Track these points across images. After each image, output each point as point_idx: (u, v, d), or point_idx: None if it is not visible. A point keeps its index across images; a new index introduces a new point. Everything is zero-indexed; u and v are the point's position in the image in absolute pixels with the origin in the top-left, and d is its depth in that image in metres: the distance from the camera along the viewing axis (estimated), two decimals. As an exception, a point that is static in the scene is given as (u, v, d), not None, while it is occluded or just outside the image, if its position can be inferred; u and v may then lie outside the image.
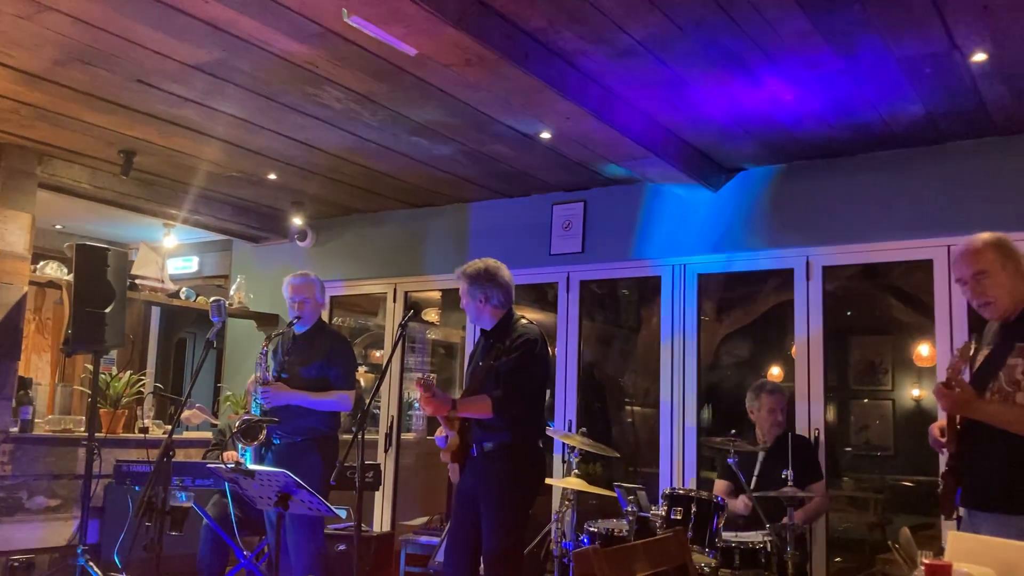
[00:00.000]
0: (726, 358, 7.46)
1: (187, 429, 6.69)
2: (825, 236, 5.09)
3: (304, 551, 4.20)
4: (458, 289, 4.04)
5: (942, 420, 3.10)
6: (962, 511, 2.96)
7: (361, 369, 7.54)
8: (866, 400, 7.72)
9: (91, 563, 4.72)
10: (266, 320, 7.16)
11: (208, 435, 5.78)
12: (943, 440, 2.99)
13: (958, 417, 2.90)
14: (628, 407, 7.54)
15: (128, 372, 6.09)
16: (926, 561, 1.61)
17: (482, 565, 3.81)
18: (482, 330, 4.04)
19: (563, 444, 5.35)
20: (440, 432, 3.98)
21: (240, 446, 4.38)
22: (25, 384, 5.62)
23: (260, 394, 4.35)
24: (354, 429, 3.69)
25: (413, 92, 4.31)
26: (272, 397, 4.32)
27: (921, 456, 5.69)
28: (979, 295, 2.97)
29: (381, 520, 6.44)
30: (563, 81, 4.00)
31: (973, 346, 2.99)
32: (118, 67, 4.19)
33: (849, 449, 7.62)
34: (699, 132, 4.83)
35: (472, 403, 3.77)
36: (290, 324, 4.56)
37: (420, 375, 3.84)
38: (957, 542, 1.89)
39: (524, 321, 3.97)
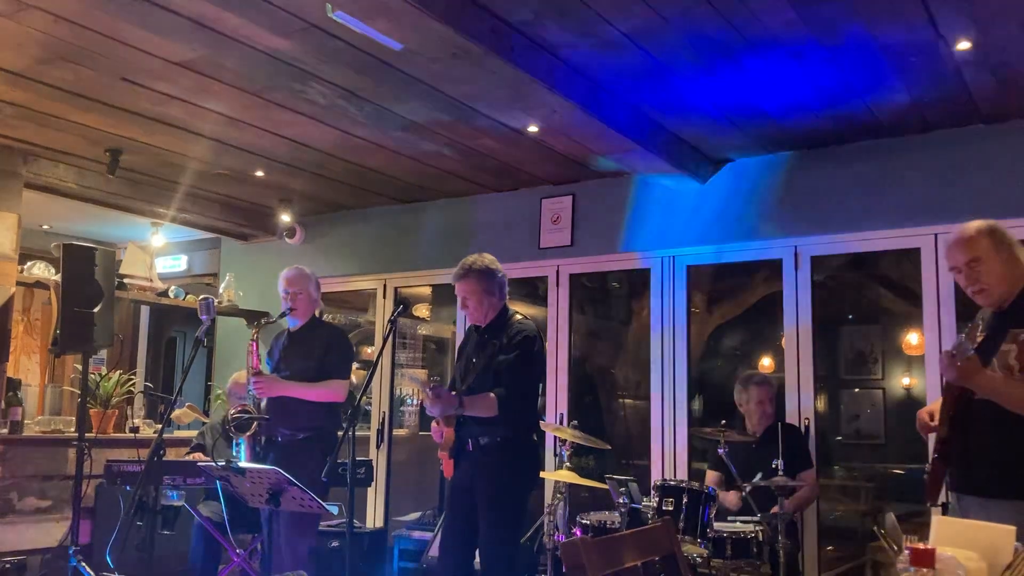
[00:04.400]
0: (717, 349, 7.48)
1: (178, 428, 6.67)
2: (813, 226, 5.11)
3: (297, 549, 4.19)
4: (447, 284, 4.03)
5: (931, 405, 3.11)
6: (951, 496, 2.97)
7: (352, 366, 7.53)
8: (857, 389, 7.75)
9: (83, 563, 4.71)
10: (255, 318, 7.13)
11: (196, 434, 5.76)
12: (932, 424, 3.01)
13: (953, 397, 2.90)
14: (619, 400, 7.55)
15: (118, 372, 6.07)
16: (911, 545, 1.61)
17: (478, 558, 3.81)
18: (475, 325, 4.04)
19: (555, 437, 5.36)
20: (435, 426, 3.98)
21: (234, 441, 4.38)
22: (14, 385, 5.60)
23: (252, 385, 4.32)
24: (345, 425, 3.68)
25: (399, 87, 4.30)
26: (264, 388, 4.29)
27: (912, 444, 5.72)
28: (973, 282, 2.98)
29: (374, 516, 6.44)
30: (549, 74, 4.00)
31: (980, 325, 2.99)
32: (102, 65, 4.17)
33: (840, 438, 7.66)
34: (686, 123, 4.84)
35: (478, 402, 3.76)
36: (281, 315, 4.51)
37: (426, 380, 3.83)
38: (942, 527, 1.90)
39: (519, 317, 3.97)
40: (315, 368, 4.32)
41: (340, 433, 4.49)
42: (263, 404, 4.34)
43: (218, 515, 4.62)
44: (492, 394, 3.73)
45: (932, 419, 3.01)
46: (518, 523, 3.88)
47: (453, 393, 3.82)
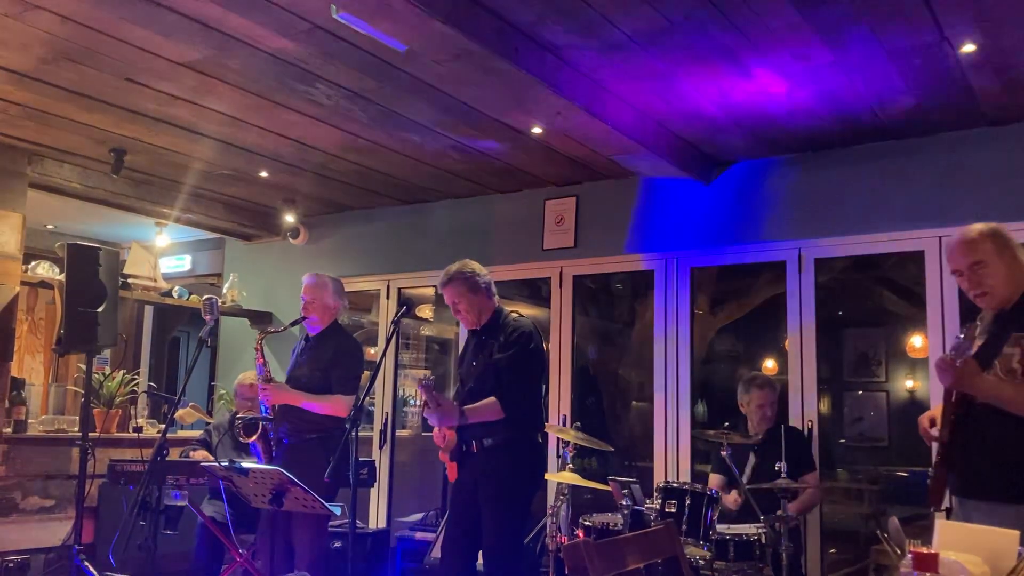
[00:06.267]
0: (720, 351, 7.47)
1: (181, 428, 6.68)
2: (817, 228, 5.10)
3: (309, 550, 4.18)
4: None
5: (932, 410, 3.10)
6: (953, 501, 2.96)
7: (359, 380, 7.53)
8: (860, 392, 7.74)
9: (86, 563, 4.71)
10: (259, 318, 7.15)
11: (199, 433, 5.77)
12: (933, 432, 3.00)
13: (954, 401, 2.90)
14: (622, 401, 7.55)
15: (121, 371, 6.08)
16: (914, 550, 1.61)
17: (481, 560, 3.80)
18: (472, 329, 4.04)
19: (557, 439, 5.36)
20: (436, 430, 3.97)
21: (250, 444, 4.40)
22: (18, 385, 5.61)
23: (260, 391, 4.36)
24: (347, 426, 3.68)
25: (403, 88, 4.30)
26: (271, 395, 4.31)
27: (915, 447, 5.72)
28: (976, 285, 2.97)
29: (376, 517, 6.44)
30: (553, 76, 4.00)
31: (978, 326, 2.98)
32: (107, 65, 4.18)
33: (843, 441, 7.65)
34: (690, 125, 4.83)
35: (482, 409, 3.74)
36: (293, 323, 4.52)
37: (421, 378, 3.83)
38: (945, 531, 1.89)
39: (515, 316, 3.97)
40: (320, 379, 4.31)
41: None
42: (277, 407, 4.36)
43: (221, 515, 4.63)
44: (494, 398, 3.72)
45: (933, 425, 3.00)
46: (521, 524, 3.88)
47: (463, 407, 3.78)
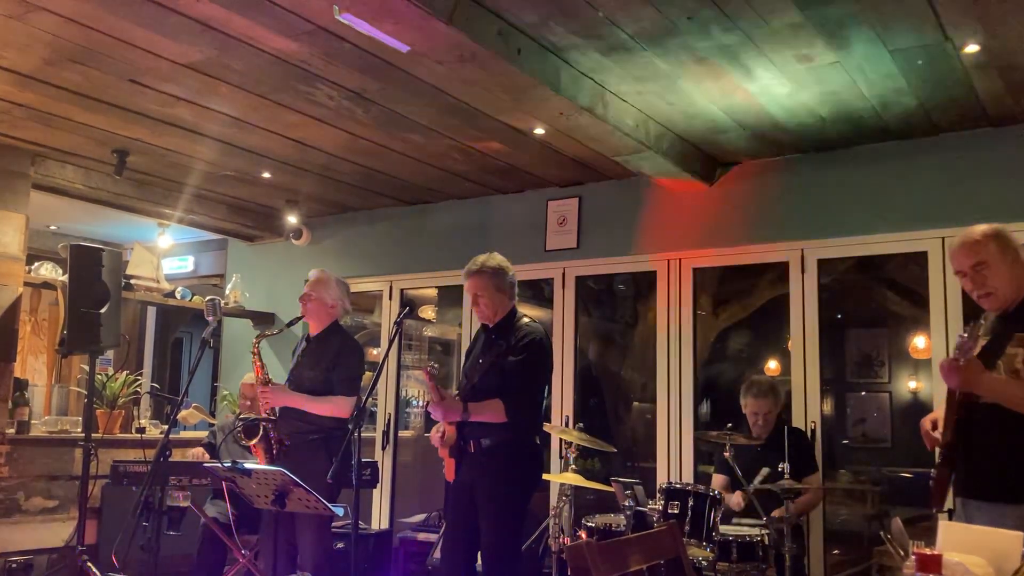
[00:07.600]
0: (723, 352, 7.46)
1: (184, 429, 6.69)
2: (819, 229, 5.10)
3: (312, 551, 4.18)
4: (453, 285, 4.03)
5: (934, 413, 3.10)
6: (956, 502, 2.96)
7: (360, 381, 7.53)
8: (863, 393, 7.73)
9: (89, 563, 4.72)
10: (262, 319, 7.16)
11: (204, 435, 5.78)
12: (934, 433, 3.00)
13: (957, 402, 2.89)
14: (625, 402, 7.54)
15: (124, 372, 6.09)
16: (917, 551, 1.61)
17: (480, 560, 3.80)
18: (484, 325, 4.04)
19: (560, 440, 5.36)
20: (437, 431, 3.97)
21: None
22: (21, 386, 5.62)
23: (259, 394, 4.34)
24: (350, 427, 3.68)
25: (406, 89, 4.30)
26: (271, 398, 4.30)
27: (918, 448, 5.69)
28: (980, 286, 2.97)
29: (379, 517, 6.44)
30: (556, 77, 4.00)
31: (983, 325, 2.98)
32: (110, 67, 4.19)
33: (846, 442, 7.64)
34: (692, 126, 4.83)
35: (485, 409, 3.74)
36: (289, 324, 4.51)
37: (427, 366, 3.83)
38: (949, 532, 1.89)
39: (527, 320, 3.96)
40: (321, 381, 4.30)
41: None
42: (278, 409, 4.35)
43: (224, 515, 4.63)
44: (499, 400, 3.72)
45: (935, 428, 3.00)
46: (520, 525, 3.87)
47: (468, 403, 3.79)
